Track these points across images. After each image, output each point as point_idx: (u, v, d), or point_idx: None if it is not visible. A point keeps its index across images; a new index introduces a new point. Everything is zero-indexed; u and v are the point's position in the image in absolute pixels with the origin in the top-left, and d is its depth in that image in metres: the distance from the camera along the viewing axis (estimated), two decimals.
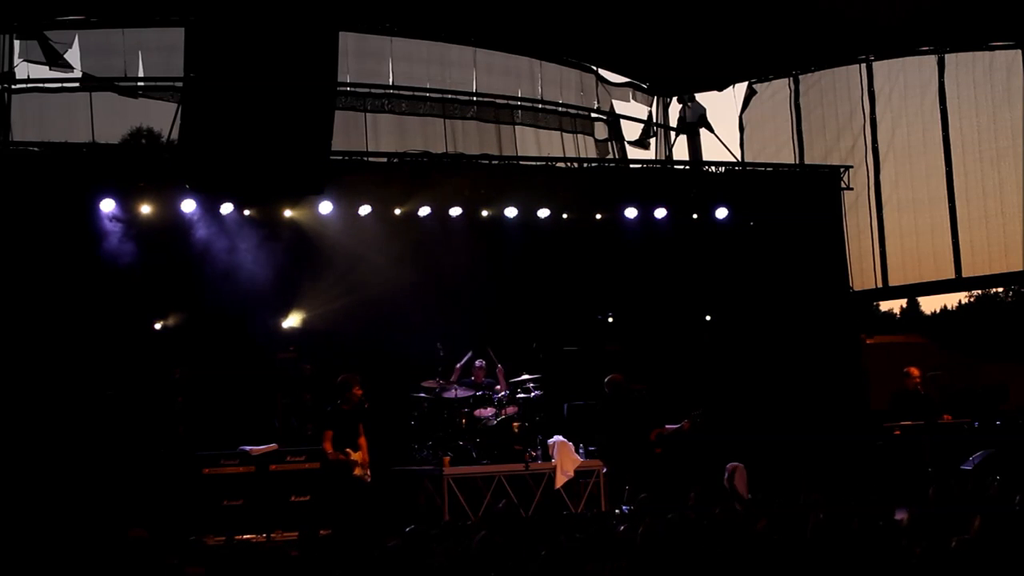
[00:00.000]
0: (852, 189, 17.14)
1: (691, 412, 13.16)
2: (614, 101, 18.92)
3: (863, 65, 18.40)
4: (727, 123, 24.98)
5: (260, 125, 9.75)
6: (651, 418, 13.13)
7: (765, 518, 6.87)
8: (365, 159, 14.83)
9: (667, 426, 13.09)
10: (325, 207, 13.61)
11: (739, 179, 16.45)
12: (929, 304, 30.13)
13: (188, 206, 13.02)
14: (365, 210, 13.92)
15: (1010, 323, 24.32)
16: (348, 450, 10.89)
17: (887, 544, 6.19)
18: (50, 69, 14.94)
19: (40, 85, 14.97)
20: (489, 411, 12.54)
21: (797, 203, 16.00)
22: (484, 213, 14.60)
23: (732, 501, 12.03)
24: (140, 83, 15.37)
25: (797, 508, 8.63)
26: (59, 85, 15.07)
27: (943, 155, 18.00)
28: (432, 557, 6.32)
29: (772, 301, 15.52)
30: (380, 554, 6.58)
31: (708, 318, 15.73)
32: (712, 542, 6.09)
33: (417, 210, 14.20)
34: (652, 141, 19.09)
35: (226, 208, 13.21)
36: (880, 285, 18.52)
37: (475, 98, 17.55)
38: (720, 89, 19.04)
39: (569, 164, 16.53)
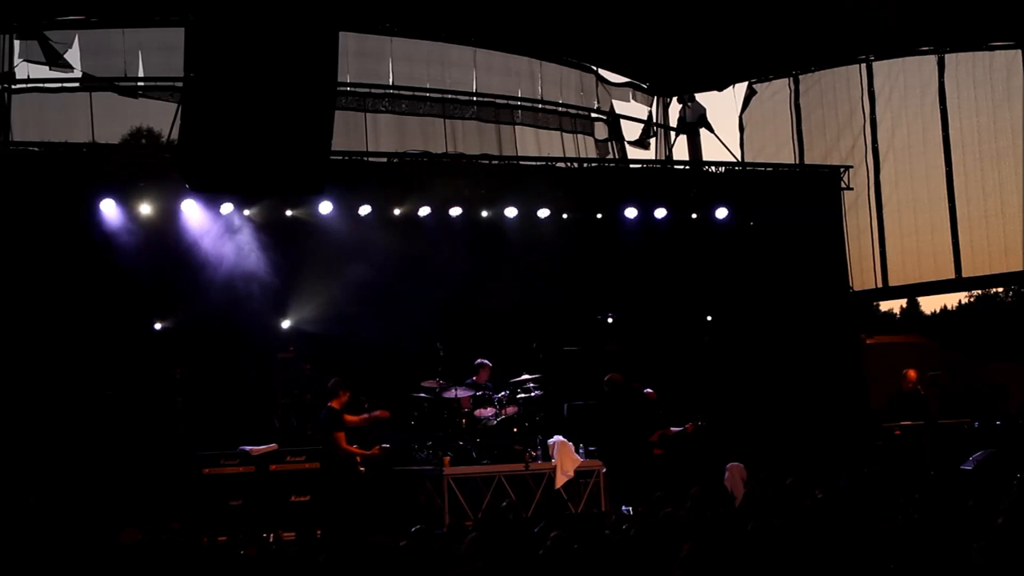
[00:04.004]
0: (852, 189, 17.16)
1: (696, 418, 13.19)
2: (614, 101, 18.93)
3: (863, 65, 18.40)
4: (727, 123, 25.03)
5: (260, 125, 9.73)
6: (652, 418, 13.13)
7: (763, 516, 6.87)
8: (365, 159, 14.84)
9: (672, 428, 13.09)
10: (325, 207, 13.62)
11: (739, 179, 16.46)
12: (929, 304, 30.13)
13: (188, 206, 13.04)
14: (365, 210, 13.93)
15: (1010, 323, 24.30)
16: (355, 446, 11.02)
17: (888, 543, 6.20)
18: (50, 69, 14.95)
19: (40, 85, 14.98)
20: (489, 411, 12.53)
21: (797, 203, 16.01)
22: (484, 213, 14.61)
23: (732, 500, 12.05)
24: (140, 83, 15.38)
25: (798, 507, 8.64)
26: (59, 85, 15.09)
27: (943, 155, 18.00)
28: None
29: (772, 301, 15.53)
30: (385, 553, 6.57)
31: (708, 318, 15.73)
32: (709, 541, 6.08)
33: (417, 210, 14.20)
34: (652, 141, 19.11)
35: (226, 208, 13.22)
36: (880, 285, 18.53)
37: (475, 98, 17.56)
38: (720, 89, 19.05)
39: (569, 164, 16.53)
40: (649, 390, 13.35)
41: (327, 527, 11.07)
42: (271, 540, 11.04)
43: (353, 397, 11.54)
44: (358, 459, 11.23)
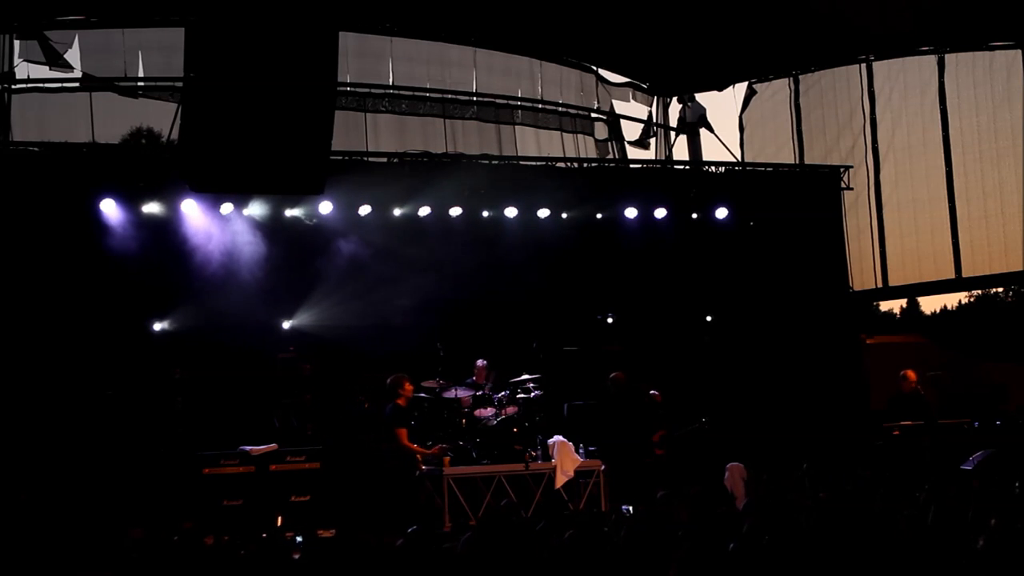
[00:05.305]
0: (852, 189, 17.16)
1: (699, 420, 13.21)
2: (614, 101, 18.94)
3: (863, 65, 18.41)
4: (727, 123, 25.03)
5: (260, 125, 9.73)
6: (653, 418, 13.14)
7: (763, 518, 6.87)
8: (365, 159, 14.85)
9: (656, 439, 13.08)
10: (325, 207, 13.63)
11: (739, 179, 16.46)
12: (929, 304, 30.15)
13: (188, 206, 13.04)
14: (365, 210, 13.94)
15: (1010, 323, 24.31)
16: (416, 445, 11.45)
17: (888, 543, 6.19)
18: (50, 69, 14.96)
19: (40, 85, 14.99)
20: (489, 411, 12.52)
21: (797, 203, 16.01)
22: (484, 213, 14.61)
23: (732, 501, 12.05)
24: (140, 83, 15.39)
25: (797, 507, 8.63)
26: (59, 85, 15.10)
27: (943, 155, 18.01)
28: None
29: (772, 301, 15.53)
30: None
31: (708, 318, 15.74)
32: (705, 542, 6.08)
33: (417, 210, 14.22)
34: (652, 141, 19.11)
35: (226, 208, 13.23)
36: (880, 285, 18.54)
37: (475, 98, 17.57)
38: (720, 89, 19.06)
39: (569, 164, 16.53)
40: (654, 392, 13.35)
41: (380, 522, 11.06)
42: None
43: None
44: (419, 457, 11.56)
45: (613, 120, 18.87)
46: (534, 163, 15.86)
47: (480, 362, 13.13)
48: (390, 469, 11.48)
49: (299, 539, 10.84)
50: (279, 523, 11.28)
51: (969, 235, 17.90)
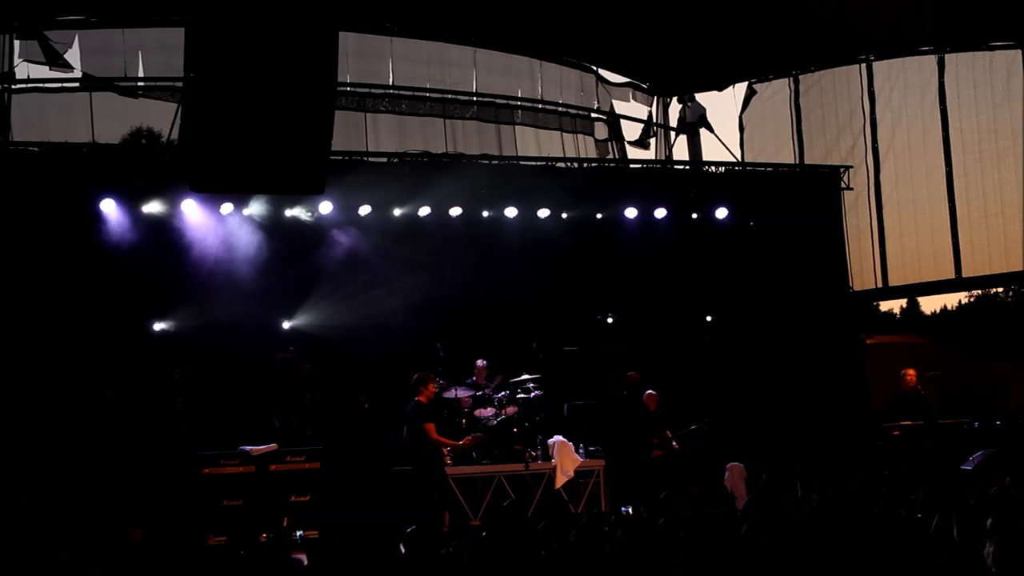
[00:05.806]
0: (852, 189, 17.17)
1: (701, 420, 13.21)
2: (614, 101, 18.93)
3: (863, 65, 18.41)
4: (727, 123, 25.02)
5: (260, 125, 9.73)
6: (654, 419, 13.14)
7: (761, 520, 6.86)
8: (365, 159, 14.85)
9: (669, 434, 13.08)
10: (325, 207, 13.63)
11: (739, 179, 16.46)
12: (929, 304, 30.17)
13: (188, 206, 13.05)
14: (365, 210, 13.94)
15: (1010, 323, 24.31)
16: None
17: (887, 544, 6.19)
18: (50, 69, 14.95)
19: (40, 85, 14.98)
20: (489, 411, 12.52)
21: (797, 203, 16.01)
22: (484, 213, 14.61)
23: (732, 501, 12.05)
24: (140, 83, 15.39)
25: (795, 507, 8.63)
26: (59, 85, 15.09)
27: (943, 155, 18.02)
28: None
29: (772, 301, 15.53)
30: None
31: (708, 318, 15.74)
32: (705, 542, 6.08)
33: (417, 210, 14.22)
34: (652, 141, 19.11)
35: (226, 208, 13.23)
36: (880, 285, 18.54)
37: (475, 98, 17.56)
38: (720, 89, 19.05)
39: (569, 164, 16.54)
40: (652, 391, 13.35)
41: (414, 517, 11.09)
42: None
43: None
44: (446, 451, 11.59)
45: (613, 120, 18.87)
46: (534, 163, 15.86)
47: (480, 362, 13.13)
48: (416, 464, 11.46)
49: (299, 533, 10.90)
50: (284, 523, 11.27)
51: (969, 235, 17.91)
